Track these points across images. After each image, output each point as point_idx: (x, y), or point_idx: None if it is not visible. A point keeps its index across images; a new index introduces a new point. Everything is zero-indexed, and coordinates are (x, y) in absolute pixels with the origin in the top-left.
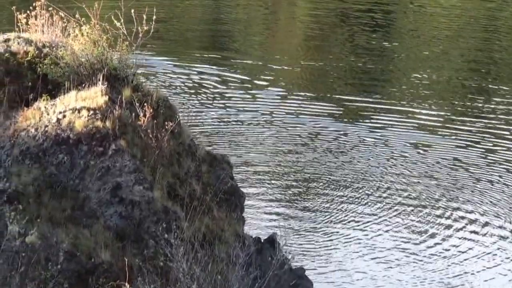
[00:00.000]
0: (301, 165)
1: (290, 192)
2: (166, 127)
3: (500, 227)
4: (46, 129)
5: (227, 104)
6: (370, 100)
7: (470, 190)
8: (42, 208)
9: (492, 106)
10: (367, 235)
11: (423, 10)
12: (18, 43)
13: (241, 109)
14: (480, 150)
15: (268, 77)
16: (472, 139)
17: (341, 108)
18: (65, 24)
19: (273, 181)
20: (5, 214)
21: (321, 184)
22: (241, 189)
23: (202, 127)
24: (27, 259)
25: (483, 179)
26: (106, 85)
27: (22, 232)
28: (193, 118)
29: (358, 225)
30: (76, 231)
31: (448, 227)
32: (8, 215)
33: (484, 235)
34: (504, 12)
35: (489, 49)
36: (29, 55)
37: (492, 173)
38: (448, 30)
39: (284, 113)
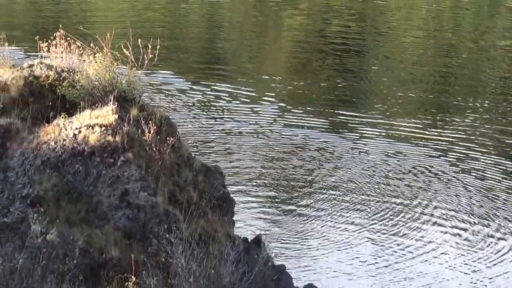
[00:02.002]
0: (288, 173)
1: (276, 198)
2: (168, 142)
3: (466, 227)
4: (64, 142)
5: (224, 117)
6: (353, 114)
7: (441, 194)
8: (61, 210)
9: (457, 119)
10: (342, 235)
11: (393, 38)
12: (41, 68)
13: (235, 120)
14: (449, 158)
15: (261, 94)
16: (442, 148)
17: (327, 122)
18: (81, 52)
19: (261, 187)
20: (28, 216)
21: (306, 190)
22: (232, 194)
23: (201, 137)
24: (47, 254)
25: (451, 184)
26: (116, 105)
27: (43, 231)
28: (192, 128)
29: (335, 227)
30: (89, 231)
31: (419, 227)
32: (32, 216)
33: (451, 233)
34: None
35: (450, 70)
36: (50, 79)
37: (459, 178)
38: (415, 55)
39: (275, 125)
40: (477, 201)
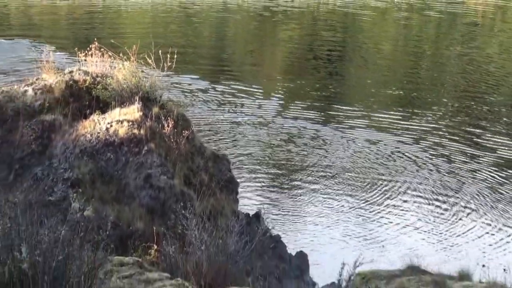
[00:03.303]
0: (286, 158)
1: (274, 179)
2: (183, 134)
3: (437, 203)
4: (98, 135)
5: (231, 110)
6: (341, 108)
7: (415, 175)
8: (95, 191)
9: (427, 112)
10: (330, 210)
11: (370, 46)
12: (79, 74)
13: (242, 114)
14: (421, 145)
15: (264, 92)
16: (415, 137)
17: (319, 114)
18: (112, 60)
19: (261, 171)
20: (69, 195)
21: (300, 172)
22: (237, 176)
23: (212, 127)
24: (85, 227)
25: (424, 167)
26: (141, 104)
27: (81, 208)
28: (205, 119)
29: (324, 204)
30: (119, 208)
31: (397, 204)
32: (72, 196)
33: (424, 209)
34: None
35: (418, 72)
36: (87, 83)
37: (430, 162)
38: (389, 60)
39: (275, 117)
40: (446, 181)
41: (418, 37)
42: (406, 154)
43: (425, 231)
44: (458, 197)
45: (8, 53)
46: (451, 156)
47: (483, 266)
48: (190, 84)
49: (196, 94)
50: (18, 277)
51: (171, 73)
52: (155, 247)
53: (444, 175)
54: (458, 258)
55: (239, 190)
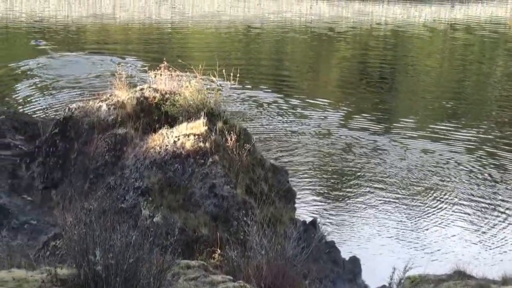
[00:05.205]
0: (341, 168)
1: (330, 189)
2: (245, 147)
3: (485, 212)
4: (167, 147)
5: (291, 121)
6: (397, 120)
7: (467, 184)
8: (164, 199)
9: (475, 124)
10: (383, 219)
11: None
12: (149, 91)
13: (301, 124)
14: (476, 155)
15: (320, 104)
16: (468, 147)
17: (376, 125)
18: (180, 79)
19: (317, 180)
20: (139, 203)
21: (355, 180)
22: (294, 186)
23: (272, 136)
24: (154, 232)
25: (476, 176)
26: (206, 119)
27: (151, 215)
28: (268, 130)
29: (377, 212)
30: (185, 215)
31: (445, 211)
32: (142, 203)
33: (472, 217)
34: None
35: (463, 87)
36: (156, 99)
37: (483, 172)
38: (439, 75)
39: (332, 128)
40: (497, 189)
41: (465, 54)
42: (460, 163)
43: (472, 238)
44: (507, 206)
45: (84, 69)
46: (504, 166)
47: None
48: (253, 98)
49: (260, 106)
50: (92, 279)
51: (235, 87)
52: (219, 251)
53: (496, 184)
54: (503, 263)
55: (297, 199)
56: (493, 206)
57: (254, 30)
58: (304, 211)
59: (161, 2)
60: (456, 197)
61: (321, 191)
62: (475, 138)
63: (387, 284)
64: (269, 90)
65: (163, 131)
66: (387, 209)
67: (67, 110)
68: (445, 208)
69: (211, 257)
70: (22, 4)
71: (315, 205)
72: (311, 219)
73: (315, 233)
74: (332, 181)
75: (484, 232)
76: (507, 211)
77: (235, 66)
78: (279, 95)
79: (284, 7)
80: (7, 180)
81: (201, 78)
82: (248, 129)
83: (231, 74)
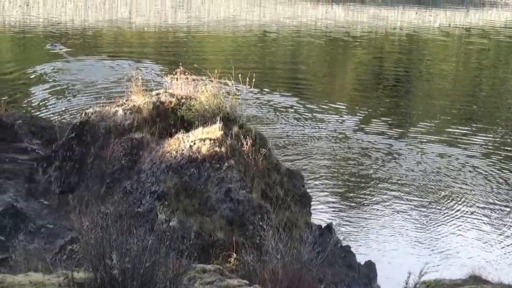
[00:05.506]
0: (358, 171)
1: (346, 192)
2: (260, 152)
3: (502, 217)
4: (183, 152)
5: (307, 125)
6: (413, 124)
7: (482, 189)
8: (180, 203)
9: (497, 128)
10: (398, 223)
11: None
12: (165, 96)
13: (317, 128)
14: (492, 159)
15: (339, 108)
16: (484, 151)
17: (392, 130)
18: (196, 83)
19: (333, 184)
20: (156, 207)
21: (371, 184)
22: (310, 190)
23: (287, 140)
24: (170, 236)
25: (492, 180)
26: (222, 124)
27: (167, 219)
28: (285, 133)
29: (393, 216)
30: (201, 219)
31: (460, 215)
32: (158, 208)
33: (488, 221)
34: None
35: (479, 92)
36: (172, 104)
37: (499, 176)
38: (454, 79)
39: (347, 132)
40: None
41: (481, 59)
42: (476, 167)
43: (488, 242)
44: None
45: (101, 73)
46: None
47: None
48: (269, 102)
49: (276, 110)
50: (109, 282)
51: (251, 92)
52: (235, 255)
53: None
54: None
55: (312, 203)
56: (509, 211)
57: (270, 35)
58: (319, 216)
59: (177, 7)
60: (472, 201)
61: (336, 196)
62: (491, 143)
63: None
64: (285, 94)
65: (179, 135)
66: (403, 213)
67: (83, 114)
68: (461, 212)
69: (227, 261)
70: (39, 9)
71: (330, 210)
72: (326, 223)
73: (331, 238)
74: (348, 185)
75: (500, 237)
76: None
77: (251, 71)
78: (295, 99)
79: (299, 12)
80: (24, 184)
81: (217, 82)
82: (264, 133)
83: (247, 79)
